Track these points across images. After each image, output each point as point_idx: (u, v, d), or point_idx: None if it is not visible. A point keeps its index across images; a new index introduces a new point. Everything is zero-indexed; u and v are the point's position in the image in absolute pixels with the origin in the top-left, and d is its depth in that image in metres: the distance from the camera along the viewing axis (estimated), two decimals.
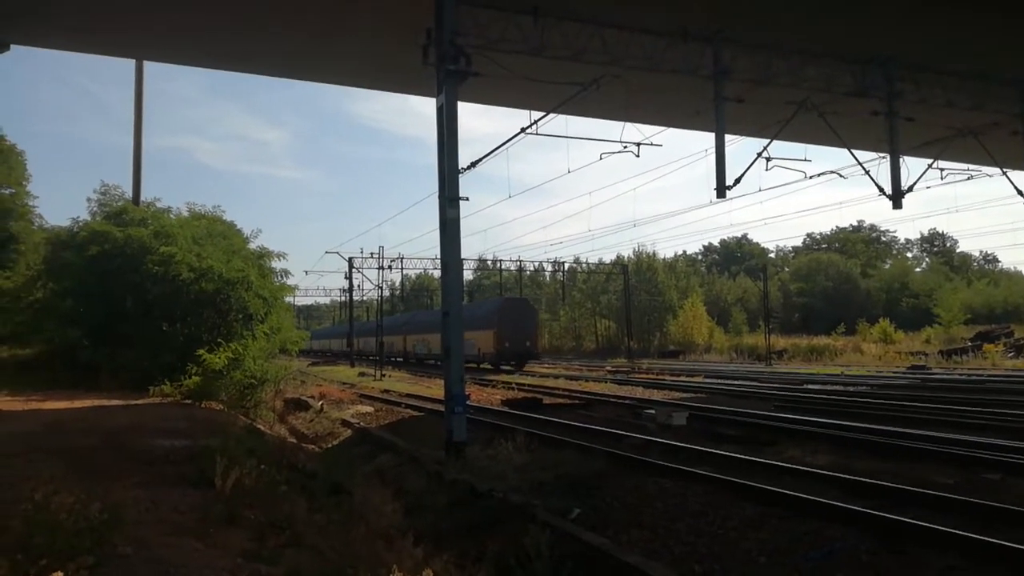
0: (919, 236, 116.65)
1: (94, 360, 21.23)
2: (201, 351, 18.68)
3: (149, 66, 27.75)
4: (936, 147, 22.75)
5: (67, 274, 22.53)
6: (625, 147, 19.36)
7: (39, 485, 5.89)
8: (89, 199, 25.17)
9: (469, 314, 40.33)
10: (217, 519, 6.66)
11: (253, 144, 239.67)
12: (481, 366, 45.62)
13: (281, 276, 25.44)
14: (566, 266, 71.93)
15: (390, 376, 42.57)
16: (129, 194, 26.32)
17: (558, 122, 20.64)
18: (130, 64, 27.54)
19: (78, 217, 25.00)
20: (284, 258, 25.64)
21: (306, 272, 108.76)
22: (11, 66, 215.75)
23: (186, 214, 26.27)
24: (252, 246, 25.57)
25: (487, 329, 45.57)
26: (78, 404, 16.71)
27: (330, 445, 17.80)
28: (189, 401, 17.63)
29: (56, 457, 9.19)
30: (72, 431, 11.96)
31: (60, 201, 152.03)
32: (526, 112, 20.25)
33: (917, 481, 10.42)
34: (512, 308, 48.31)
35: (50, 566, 4.10)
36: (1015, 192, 23.16)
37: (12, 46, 18.89)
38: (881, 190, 20.75)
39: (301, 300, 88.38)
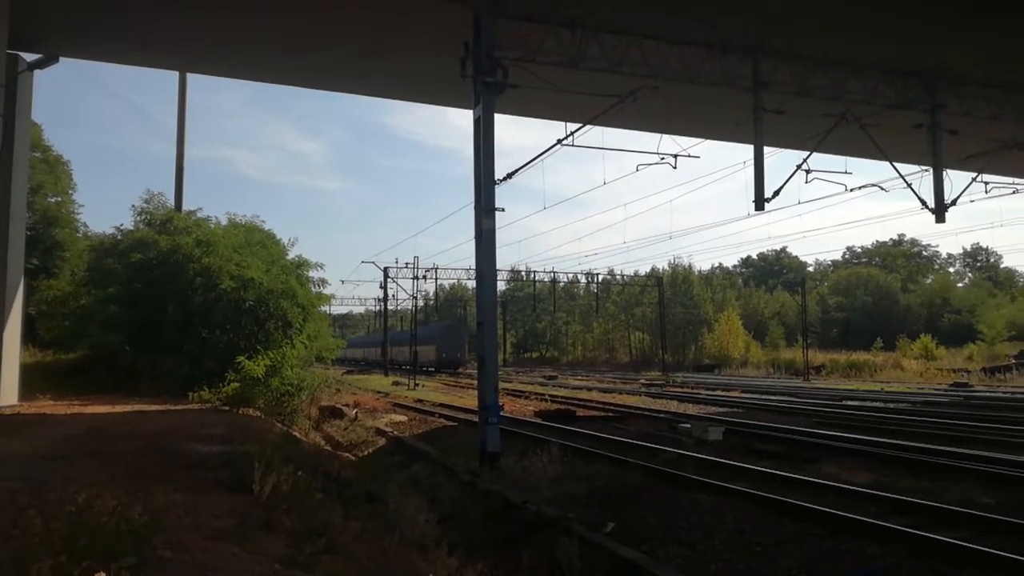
0: (962, 251, 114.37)
1: (135, 365, 21.59)
2: (241, 358, 18.91)
3: (191, 78, 28.31)
4: (980, 160, 22.29)
5: (110, 281, 22.96)
6: (662, 159, 19.28)
7: (82, 488, 5.99)
8: (133, 206, 25.62)
9: (421, 334, 60.90)
10: (255, 524, 6.71)
11: (292, 155, 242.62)
12: (427, 369, 61.80)
13: (318, 285, 25.68)
14: (600, 278, 71.71)
15: (423, 386, 42.75)
16: (172, 202, 26.80)
17: (594, 133, 20.59)
18: (173, 77, 28.06)
19: (121, 225, 25.49)
20: (322, 268, 25.89)
21: (342, 281, 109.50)
22: (58, 78, 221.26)
23: (225, 223, 26.66)
24: (290, 256, 25.85)
25: (431, 344, 64.14)
26: (119, 409, 16.99)
27: (365, 453, 17.87)
28: (227, 407, 17.83)
29: (98, 461, 9.34)
30: (113, 435, 12.15)
31: (103, 209, 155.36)
32: (560, 123, 20.27)
33: (959, 500, 10.21)
34: (448, 329, 69.28)
35: (93, 567, 4.15)
36: None
37: (61, 58, 19.36)
38: (924, 203, 20.41)
39: (336, 309, 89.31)
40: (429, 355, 63.15)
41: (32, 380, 20.06)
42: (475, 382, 24.24)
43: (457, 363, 65.42)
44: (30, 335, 23.33)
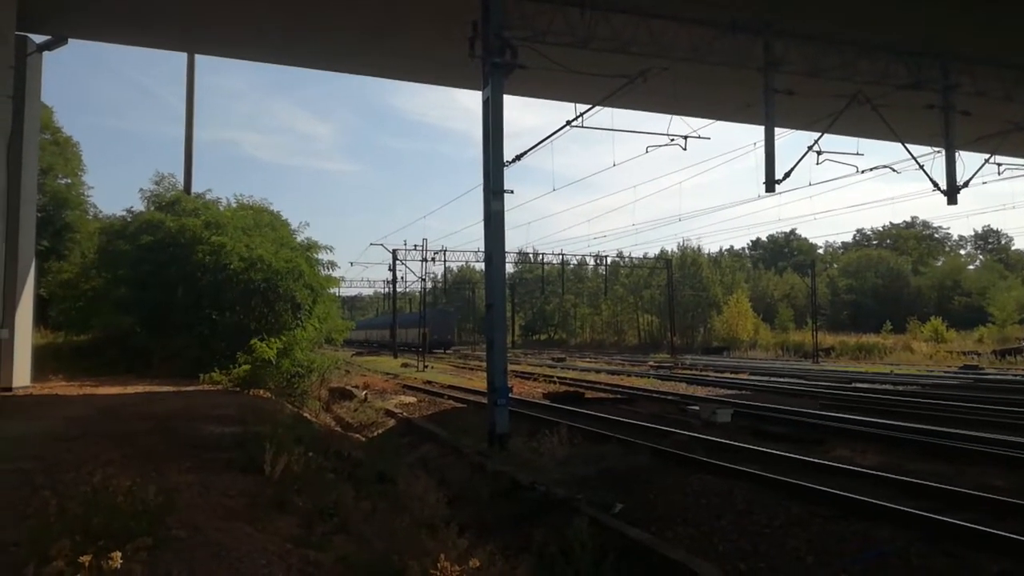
0: (973, 233, 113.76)
1: (146, 347, 21.72)
2: (253, 340, 18.98)
3: (200, 60, 28.28)
4: (993, 141, 22.12)
5: (120, 263, 23.04)
6: (672, 140, 19.16)
7: (95, 468, 6.04)
8: (141, 190, 25.65)
9: (412, 319, 67.69)
10: (267, 504, 6.77)
11: (301, 137, 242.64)
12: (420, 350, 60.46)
13: (327, 267, 25.73)
14: (608, 260, 71.68)
15: (432, 367, 42.90)
16: (182, 184, 26.85)
17: (603, 115, 20.58)
18: (181, 59, 28.02)
19: (132, 207, 25.55)
20: (331, 250, 25.92)
21: (351, 263, 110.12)
22: (67, 61, 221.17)
23: (234, 205, 26.69)
24: (300, 238, 25.88)
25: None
26: (131, 390, 17.12)
27: (374, 434, 17.98)
28: (238, 389, 17.94)
29: (111, 441, 9.43)
30: (126, 416, 12.26)
31: (113, 191, 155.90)
32: (570, 104, 20.16)
33: (969, 483, 10.19)
34: (438, 314, 77.45)
35: (108, 547, 4.19)
36: None
37: (70, 40, 19.34)
38: (936, 185, 20.26)
39: (345, 291, 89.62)
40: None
41: (44, 361, 20.21)
42: (483, 364, 24.30)
43: (446, 344, 75.33)
44: (41, 317, 23.46)
